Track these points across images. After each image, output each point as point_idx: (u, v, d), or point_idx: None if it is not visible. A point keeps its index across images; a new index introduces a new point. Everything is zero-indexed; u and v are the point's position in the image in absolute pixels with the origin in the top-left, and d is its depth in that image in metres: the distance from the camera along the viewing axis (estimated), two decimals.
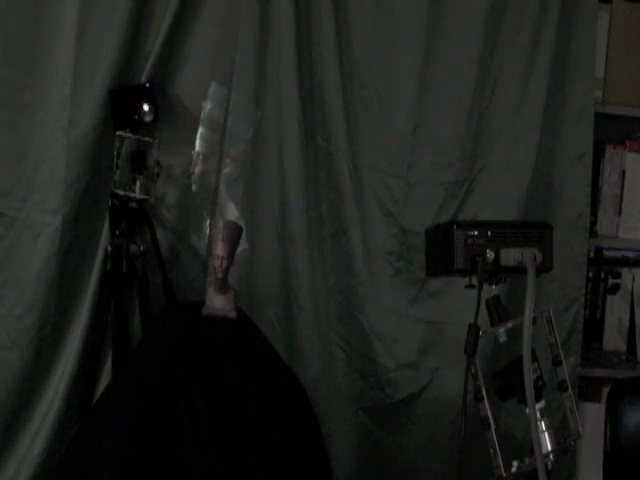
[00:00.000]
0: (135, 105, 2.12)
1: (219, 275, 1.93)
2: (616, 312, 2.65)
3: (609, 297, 2.65)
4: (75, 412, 2.17)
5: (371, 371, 2.43)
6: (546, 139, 2.42)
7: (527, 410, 1.32)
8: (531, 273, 1.28)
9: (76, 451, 1.86)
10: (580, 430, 1.44)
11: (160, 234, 2.27)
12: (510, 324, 1.40)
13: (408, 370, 2.44)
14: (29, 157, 2.21)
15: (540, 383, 1.41)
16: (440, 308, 2.44)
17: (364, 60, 2.36)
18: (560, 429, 2.06)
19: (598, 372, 2.55)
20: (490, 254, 1.31)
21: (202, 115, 2.30)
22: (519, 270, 1.34)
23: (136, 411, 1.80)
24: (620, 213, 2.60)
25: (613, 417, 1.86)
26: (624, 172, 2.59)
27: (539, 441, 1.30)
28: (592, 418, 2.39)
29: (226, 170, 2.32)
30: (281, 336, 2.35)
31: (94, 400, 2.10)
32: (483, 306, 1.42)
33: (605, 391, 2.23)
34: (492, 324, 1.38)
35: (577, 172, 2.45)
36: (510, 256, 1.32)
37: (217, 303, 1.96)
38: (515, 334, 1.42)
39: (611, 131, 2.59)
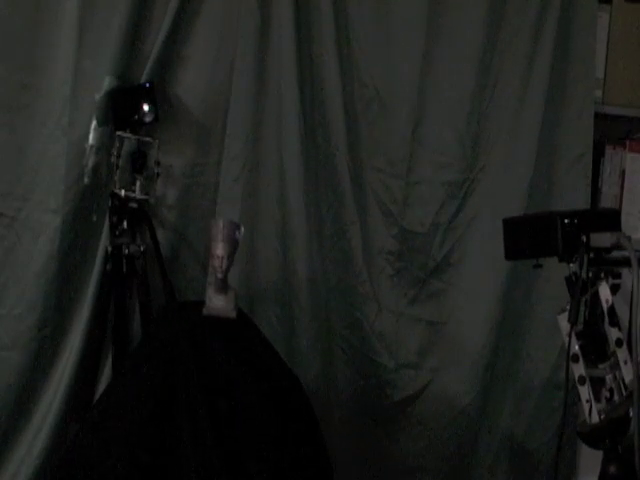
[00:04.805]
0: (135, 105, 2.13)
1: (219, 275, 1.93)
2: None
3: None
4: (75, 412, 2.17)
5: (371, 371, 2.44)
6: (546, 139, 2.41)
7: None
8: (630, 248, 1.50)
9: (76, 451, 1.86)
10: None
11: (160, 234, 2.27)
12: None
13: (408, 370, 2.44)
14: (29, 157, 2.21)
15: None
16: (440, 308, 2.44)
17: (364, 60, 2.36)
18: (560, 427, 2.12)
19: (598, 372, 2.54)
20: (583, 238, 1.54)
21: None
22: (608, 250, 1.59)
23: (136, 411, 1.80)
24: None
25: None
26: (624, 172, 2.58)
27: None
28: None
29: (226, 170, 2.32)
30: (281, 336, 2.35)
31: (94, 400, 2.10)
32: None
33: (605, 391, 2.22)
34: (572, 297, 1.61)
35: (577, 172, 2.45)
36: (603, 238, 1.54)
37: (217, 303, 1.96)
38: None
39: (611, 131, 2.58)
